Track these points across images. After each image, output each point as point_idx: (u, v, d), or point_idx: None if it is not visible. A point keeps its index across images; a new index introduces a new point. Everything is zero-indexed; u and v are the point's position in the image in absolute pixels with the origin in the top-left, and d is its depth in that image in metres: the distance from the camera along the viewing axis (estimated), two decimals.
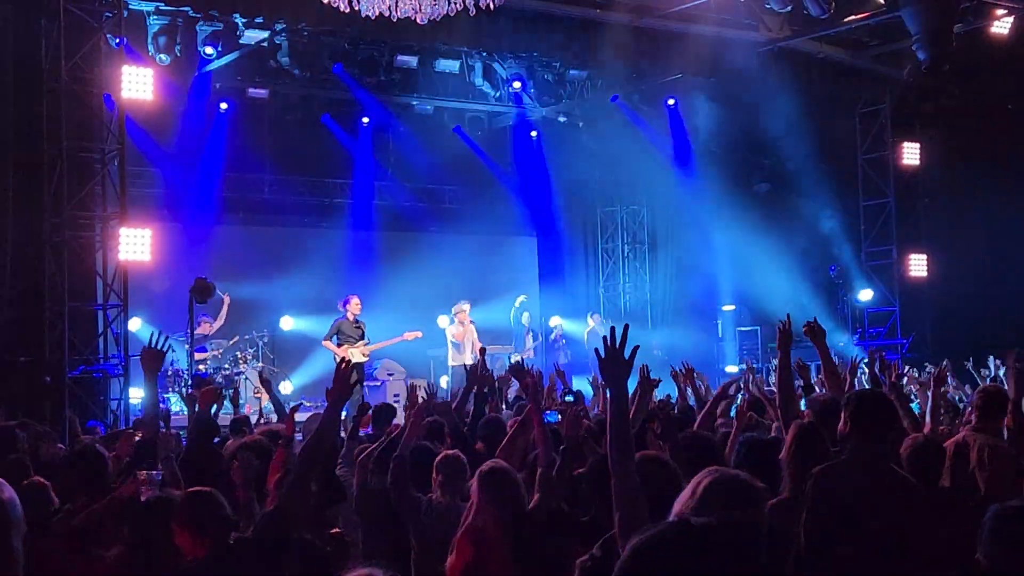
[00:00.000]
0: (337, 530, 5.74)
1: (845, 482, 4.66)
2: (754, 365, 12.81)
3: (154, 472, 5.28)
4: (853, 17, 16.23)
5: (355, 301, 15.91)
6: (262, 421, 11.91)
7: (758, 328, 20.05)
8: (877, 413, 4.88)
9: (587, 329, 19.47)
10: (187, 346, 14.84)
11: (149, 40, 15.29)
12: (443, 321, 18.19)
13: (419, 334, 16.70)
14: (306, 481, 4.72)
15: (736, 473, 3.29)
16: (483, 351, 10.23)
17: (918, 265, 20.16)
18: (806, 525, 4.56)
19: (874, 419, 4.85)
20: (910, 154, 20.26)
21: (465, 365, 13.26)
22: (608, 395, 3.58)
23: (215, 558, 4.45)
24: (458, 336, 16.92)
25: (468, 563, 4.78)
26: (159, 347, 6.13)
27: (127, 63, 13.54)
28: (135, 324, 14.98)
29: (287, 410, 7.80)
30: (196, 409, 7.09)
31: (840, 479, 4.67)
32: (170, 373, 15.31)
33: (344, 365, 4.91)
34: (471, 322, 17.00)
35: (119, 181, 13.52)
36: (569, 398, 7.62)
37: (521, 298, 19.24)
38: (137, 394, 14.50)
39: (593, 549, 3.75)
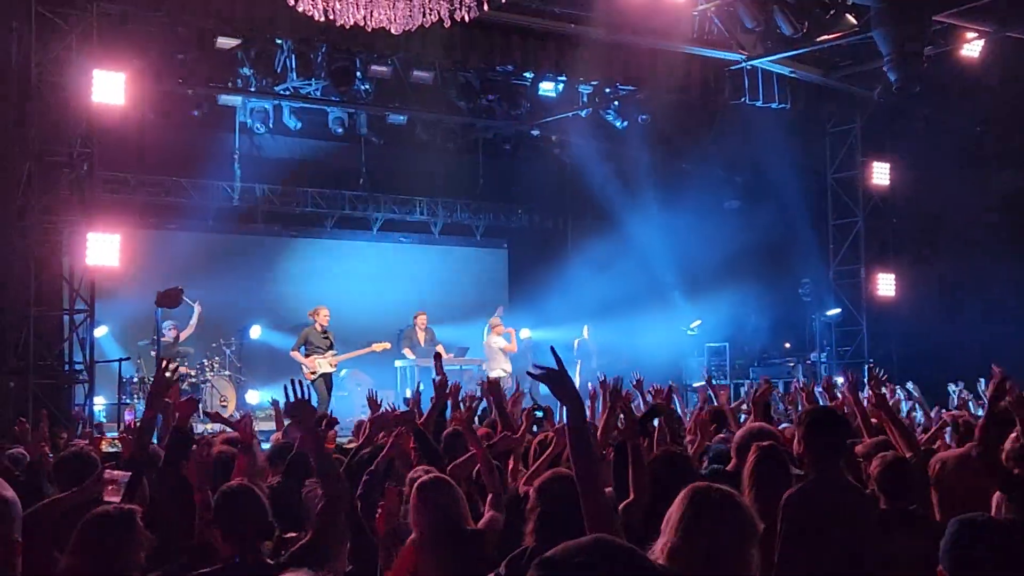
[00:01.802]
0: None
1: (815, 505, 4.65)
2: (715, 381, 12.80)
3: (121, 474, 5.20)
4: (825, 37, 16.33)
5: (324, 311, 15.81)
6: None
7: (726, 344, 20.12)
8: (826, 430, 4.86)
9: (577, 340, 19.59)
10: (153, 353, 14.72)
11: (121, 45, 15.14)
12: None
13: (387, 345, 16.60)
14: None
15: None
16: (438, 356, 9.64)
17: (886, 284, 20.32)
18: (782, 552, 4.54)
19: (825, 437, 4.83)
20: (880, 174, 20.44)
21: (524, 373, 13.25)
22: (565, 412, 3.49)
23: (238, 564, 4.31)
24: (509, 348, 17.47)
25: None
26: (169, 375, 6.06)
27: (99, 67, 13.43)
28: (101, 331, 14.83)
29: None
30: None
31: (809, 503, 4.66)
32: (136, 380, 15.13)
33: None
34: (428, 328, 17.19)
35: (88, 186, 13.42)
36: (538, 413, 7.51)
37: (499, 310, 19.14)
38: (101, 401, 14.39)
39: (500, 567, 3.68)
